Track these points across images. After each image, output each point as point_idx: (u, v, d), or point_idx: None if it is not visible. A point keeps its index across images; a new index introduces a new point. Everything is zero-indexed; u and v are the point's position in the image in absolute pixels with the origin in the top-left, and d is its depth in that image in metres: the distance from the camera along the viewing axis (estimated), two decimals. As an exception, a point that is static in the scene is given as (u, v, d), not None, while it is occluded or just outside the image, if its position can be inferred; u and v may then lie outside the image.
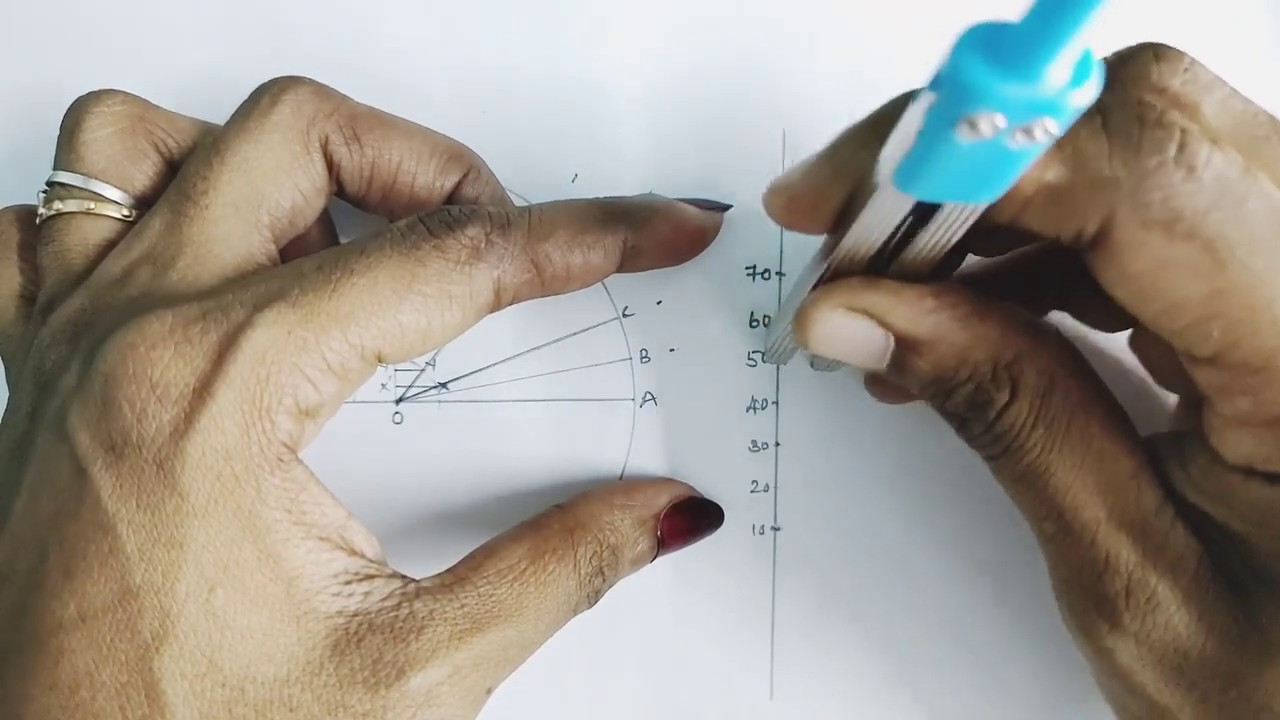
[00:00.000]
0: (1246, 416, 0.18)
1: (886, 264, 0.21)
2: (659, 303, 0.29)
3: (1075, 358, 0.21)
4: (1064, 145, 0.18)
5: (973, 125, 0.15)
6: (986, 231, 0.19)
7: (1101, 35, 0.14)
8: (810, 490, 0.29)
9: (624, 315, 0.29)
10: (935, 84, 0.15)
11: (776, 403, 0.29)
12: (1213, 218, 0.17)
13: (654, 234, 0.25)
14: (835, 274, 0.21)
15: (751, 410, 0.29)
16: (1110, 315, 0.23)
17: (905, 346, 0.21)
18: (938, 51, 0.15)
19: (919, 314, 0.21)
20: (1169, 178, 0.17)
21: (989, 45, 0.14)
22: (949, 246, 0.20)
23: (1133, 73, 0.19)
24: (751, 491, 0.29)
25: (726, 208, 0.28)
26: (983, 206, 0.18)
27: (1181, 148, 0.17)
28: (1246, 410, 0.18)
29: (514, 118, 0.28)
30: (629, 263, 0.25)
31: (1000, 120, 0.14)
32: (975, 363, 0.21)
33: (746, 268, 0.29)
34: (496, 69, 0.29)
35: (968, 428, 0.22)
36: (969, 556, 0.29)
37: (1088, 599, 0.21)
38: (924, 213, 0.19)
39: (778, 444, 0.29)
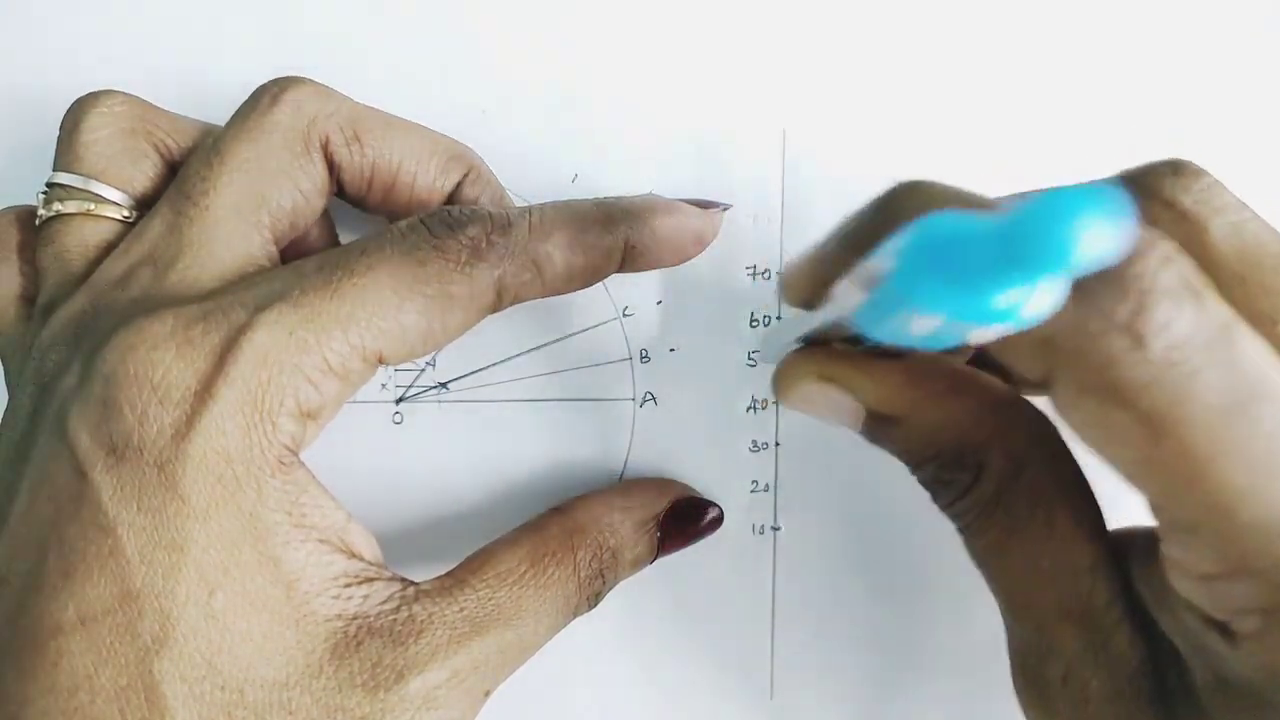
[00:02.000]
0: (1183, 564, 0.18)
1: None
2: (659, 303, 0.29)
3: (1050, 441, 0.21)
4: None
5: (925, 324, 0.14)
6: None
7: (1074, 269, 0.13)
8: (810, 490, 0.29)
9: (624, 315, 0.29)
10: (889, 255, 0.15)
11: (776, 402, 0.29)
12: (1153, 393, 0.16)
13: (654, 234, 0.25)
14: (818, 337, 0.22)
15: (751, 410, 0.29)
16: None
17: (875, 418, 0.21)
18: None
19: (889, 391, 0.21)
20: (1112, 345, 0.16)
21: (944, 250, 0.14)
22: None
23: (1145, 184, 0.18)
24: (751, 491, 0.29)
25: (726, 208, 0.28)
26: None
27: (1137, 311, 0.16)
28: (1182, 559, 0.18)
29: (514, 118, 0.28)
30: (629, 263, 0.25)
31: (953, 324, 0.14)
32: (941, 444, 0.21)
33: (746, 268, 0.29)
34: (496, 69, 0.28)
35: (935, 497, 0.22)
36: (969, 555, 0.29)
37: (1029, 678, 0.21)
38: None
39: (778, 444, 0.29)
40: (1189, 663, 0.19)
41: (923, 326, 0.14)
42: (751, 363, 0.29)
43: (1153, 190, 0.19)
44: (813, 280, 0.21)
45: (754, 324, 0.29)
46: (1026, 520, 0.20)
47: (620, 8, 0.29)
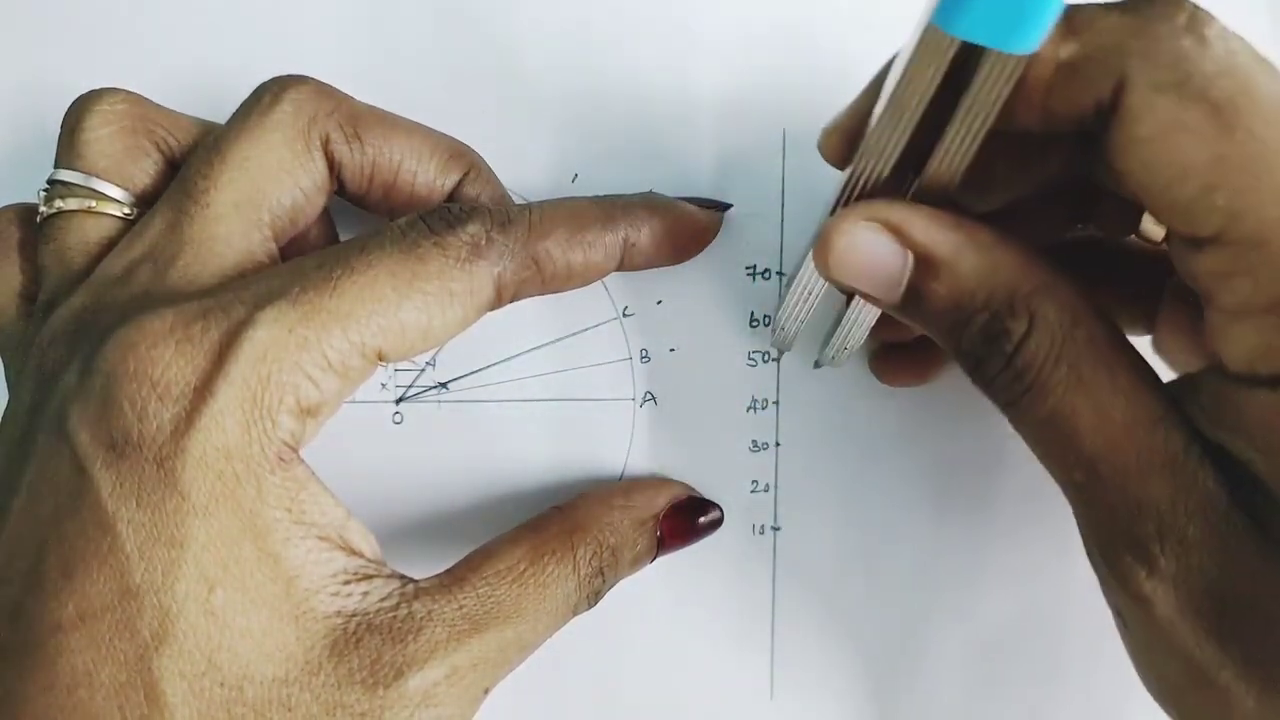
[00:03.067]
0: (1246, 303, 0.18)
1: (904, 191, 0.21)
2: (659, 303, 0.29)
3: (1090, 301, 0.21)
4: (1077, 23, 0.19)
5: None
6: (1005, 149, 0.20)
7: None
8: (810, 490, 0.29)
9: (624, 315, 0.29)
10: None
11: (776, 403, 0.29)
12: (1221, 82, 0.18)
13: (654, 233, 0.25)
14: (850, 200, 0.22)
15: (751, 410, 0.29)
16: (1123, 224, 0.25)
17: (923, 269, 0.21)
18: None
19: (940, 230, 0.21)
20: (1179, 41, 0.18)
21: None
22: (969, 157, 0.20)
23: None
24: (751, 491, 0.29)
25: (727, 207, 0.28)
26: (1010, 85, 0.19)
27: (1191, 17, 0.18)
28: (1246, 295, 0.18)
29: (514, 118, 0.28)
30: (629, 261, 0.25)
31: None
32: (992, 289, 0.20)
33: (746, 268, 0.29)
34: (497, 69, 0.29)
35: (985, 366, 0.21)
36: (969, 555, 0.29)
37: (1122, 545, 0.20)
38: (952, 99, 0.19)
39: (778, 444, 0.29)
40: (1271, 482, 0.19)
41: None
42: (751, 362, 0.29)
43: None
44: (857, 121, 0.21)
45: (754, 324, 0.29)
46: (1090, 373, 0.20)
47: (620, 8, 0.29)
